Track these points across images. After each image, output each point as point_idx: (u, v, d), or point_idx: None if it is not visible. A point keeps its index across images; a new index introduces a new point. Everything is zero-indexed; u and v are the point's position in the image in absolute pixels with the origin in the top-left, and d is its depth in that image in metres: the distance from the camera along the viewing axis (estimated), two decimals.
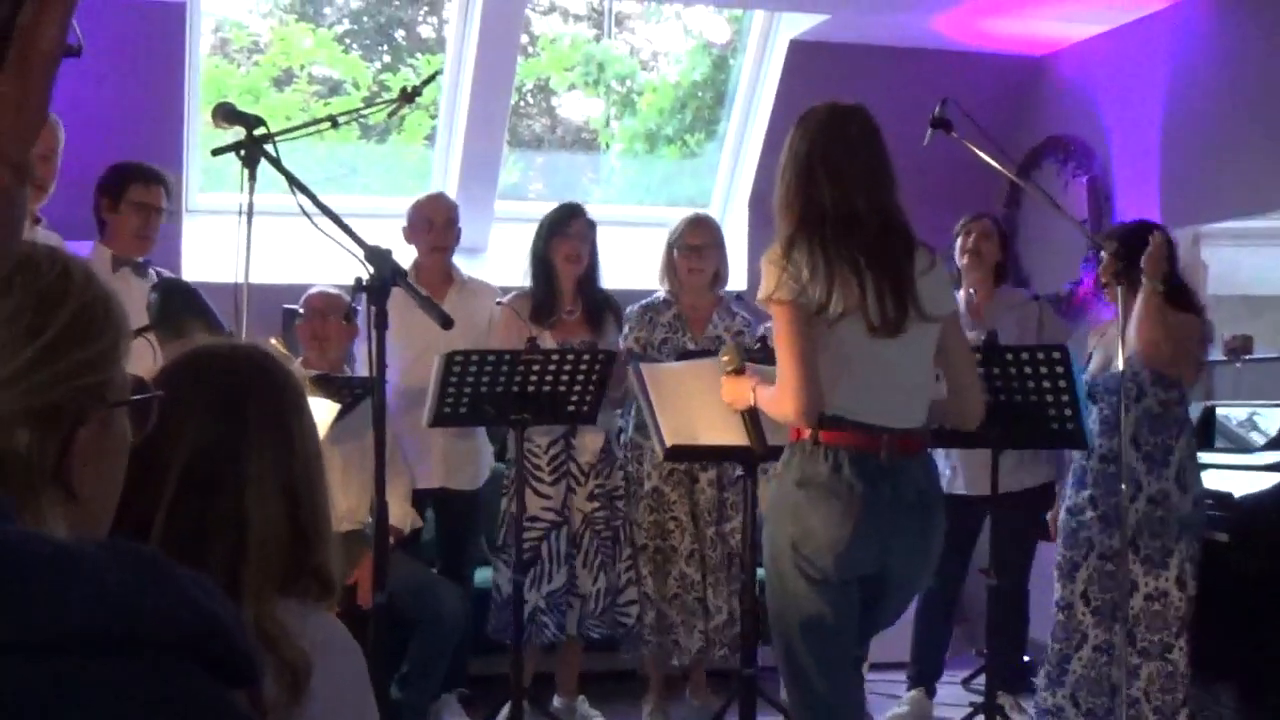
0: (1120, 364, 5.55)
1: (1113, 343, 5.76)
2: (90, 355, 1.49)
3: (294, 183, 3.91)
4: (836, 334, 3.87)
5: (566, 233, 6.35)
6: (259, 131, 4.25)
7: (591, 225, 6.44)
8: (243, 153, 4.38)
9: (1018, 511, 6.25)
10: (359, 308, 5.93)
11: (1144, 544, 5.67)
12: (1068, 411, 5.43)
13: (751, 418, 4.44)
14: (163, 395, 2.08)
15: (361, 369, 6.04)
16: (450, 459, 6.36)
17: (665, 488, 6.32)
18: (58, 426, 1.45)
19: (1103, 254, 5.85)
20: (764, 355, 5.29)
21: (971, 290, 6.64)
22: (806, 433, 3.90)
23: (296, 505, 2.13)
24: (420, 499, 6.28)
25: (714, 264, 6.47)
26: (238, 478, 2.08)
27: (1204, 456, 6.36)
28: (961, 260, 6.60)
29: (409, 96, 5.07)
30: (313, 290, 6.21)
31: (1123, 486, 5.49)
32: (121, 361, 1.57)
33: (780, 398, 3.93)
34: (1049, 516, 6.27)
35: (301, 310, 6.18)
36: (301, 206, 3.90)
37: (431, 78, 5.51)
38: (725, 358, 4.43)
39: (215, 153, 4.59)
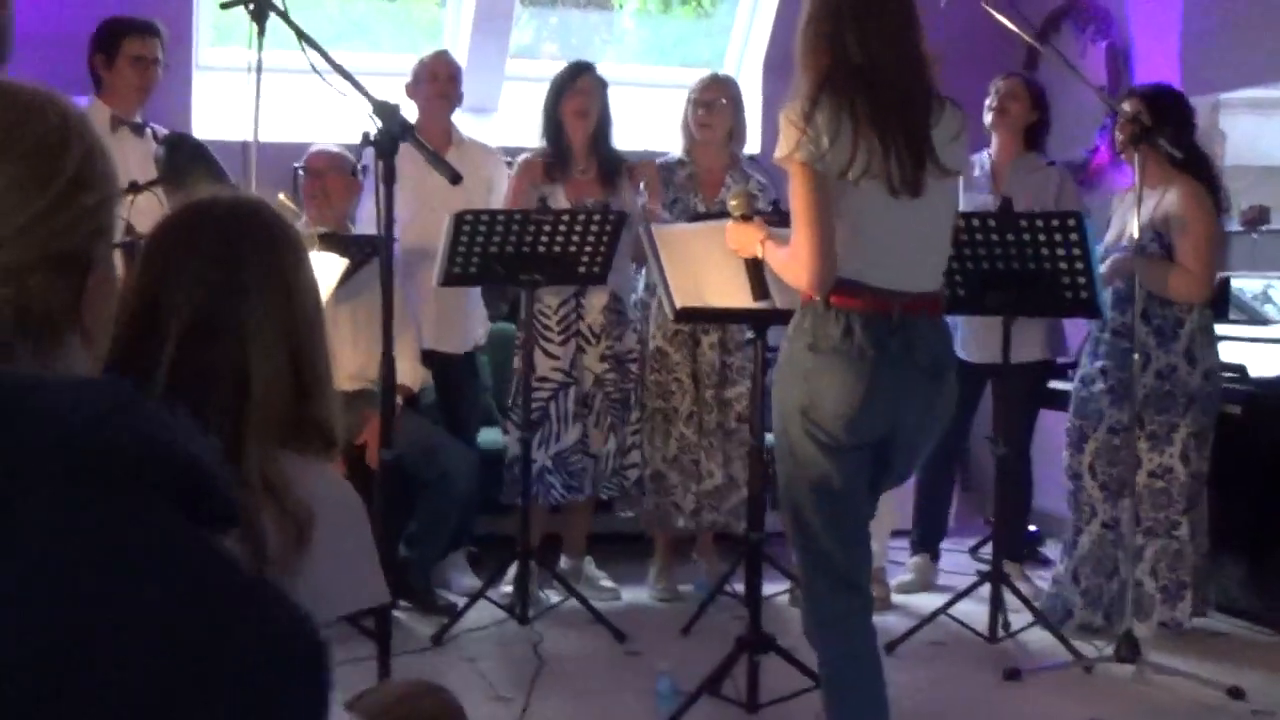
0: (1135, 231, 5.51)
1: (1129, 210, 5.70)
2: (97, 199, 1.52)
3: (303, 37, 3.86)
4: (855, 195, 3.79)
5: (574, 89, 6.30)
6: None
7: (602, 83, 6.38)
8: (252, 6, 4.32)
9: (1021, 380, 6.21)
10: (366, 164, 5.90)
11: (1149, 419, 5.66)
12: (1081, 280, 5.38)
13: (754, 267, 4.41)
14: (165, 243, 2.10)
15: (363, 229, 6.02)
16: (440, 322, 6.34)
17: (669, 348, 6.33)
18: (72, 271, 1.46)
19: (1122, 111, 5.80)
20: (777, 219, 5.26)
21: (991, 153, 6.58)
22: (818, 295, 3.85)
23: (297, 355, 2.14)
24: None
25: (726, 122, 6.43)
26: (239, 326, 2.09)
27: (1217, 328, 6.35)
28: (988, 119, 6.52)
29: None
30: (313, 149, 6.18)
31: (1135, 356, 5.46)
32: (118, 205, 1.58)
33: (792, 264, 3.87)
34: None
35: (303, 170, 6.13)
36: (310, 62, 3.84)
37: None
38: (734, 202, 4.39)
39: (224, 6, 4.53)
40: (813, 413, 3.83)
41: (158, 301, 2.07)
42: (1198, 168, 5.69)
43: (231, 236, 2.15)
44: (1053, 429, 6.52)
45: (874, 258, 3.83)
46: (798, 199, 3.82)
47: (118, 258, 1.64)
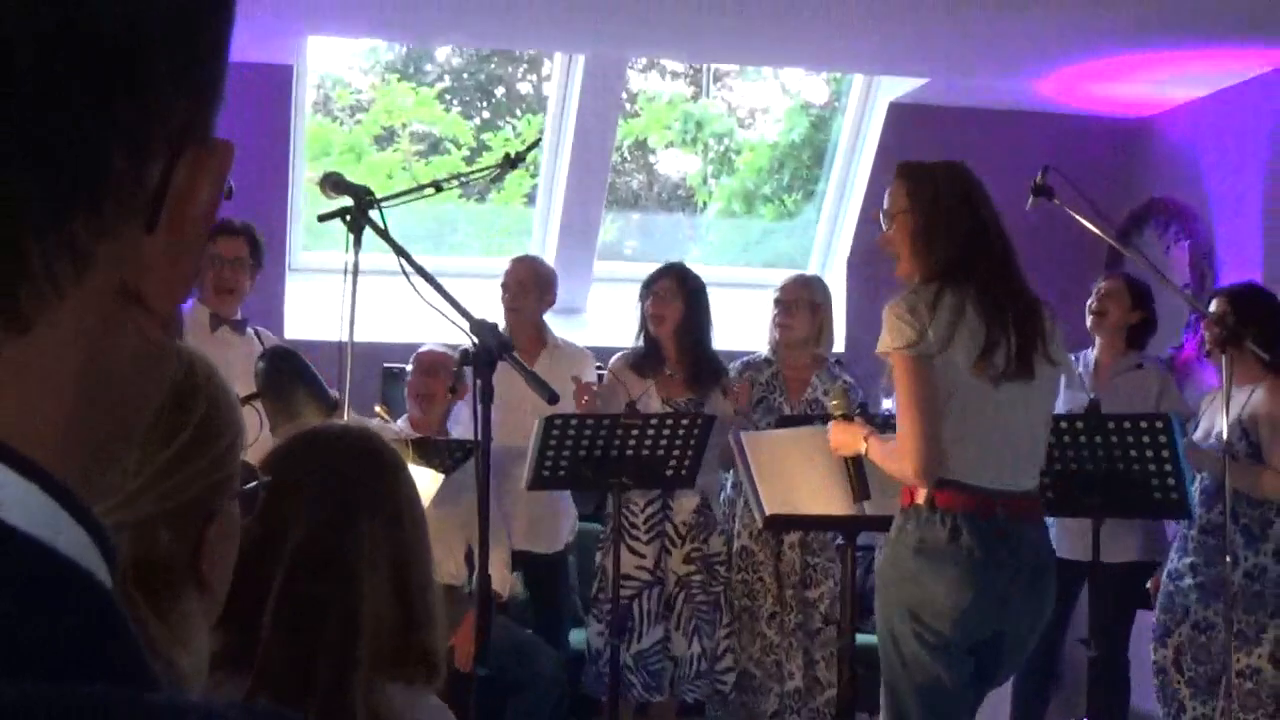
0: (1220, 430, 5.52)
1: (1217, 409, 5.71)
2: (220, 451, 1.54)
3: (401, 253, 3.95)
4: (960, 388, 3.85)
5: (651, 292, 6.37)
6: (366, 198, 4.30)
7: (683, 284, 6.40)
8: (348, 218, 4.42)
9: (1116, 581, 6.16)
10: (465, 378, 5.96)
11: (1238, 618, 5.61)
12: (1170, 481, 5.37)
13: (855, 466, 4.41)
14: (273, 481, 2.13)
15: (457, 429, 6.08)
16: (532, 522, 6.37)
17: (754, 547, 6.31)
18: (192, 523, 1.49)
19: (1208, 312, 5.82)
20: (866, 421, 5.28)
21: (1095, 352, 6.54)
22: (921, 497, 3.88)
23: (405, 587, 2.15)
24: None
25: (804, 323, 6.42)
26: (348, 560, 2.11)
27: None
28: (1089, 320, 6.48)
29: (511, 163, 5.10)
30: (423, 348, 6.24)
31: (1227, 559, 5.44)
32: (240, 454, 1.61)
33: (899, 455, 3.90)
34: (1150, 584, 6.19)
35: (410, 367, 6.22)
36: (408, 277, 3.93)
37: (534, 144, 5.54)
38: (834, 402, 4.42)
39: (322, 219, 4.65)
40: (923, 614, 3.86)
41: (267, 538, 2.07)
42: None
43: (341, 470, 2.18)
44: (1146, 627, 6.45)
45: (977, 455, 3.87)
46: (902, 390, 3.87)
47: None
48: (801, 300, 6.45)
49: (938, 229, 3.98)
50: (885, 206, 4.14)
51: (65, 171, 0.64)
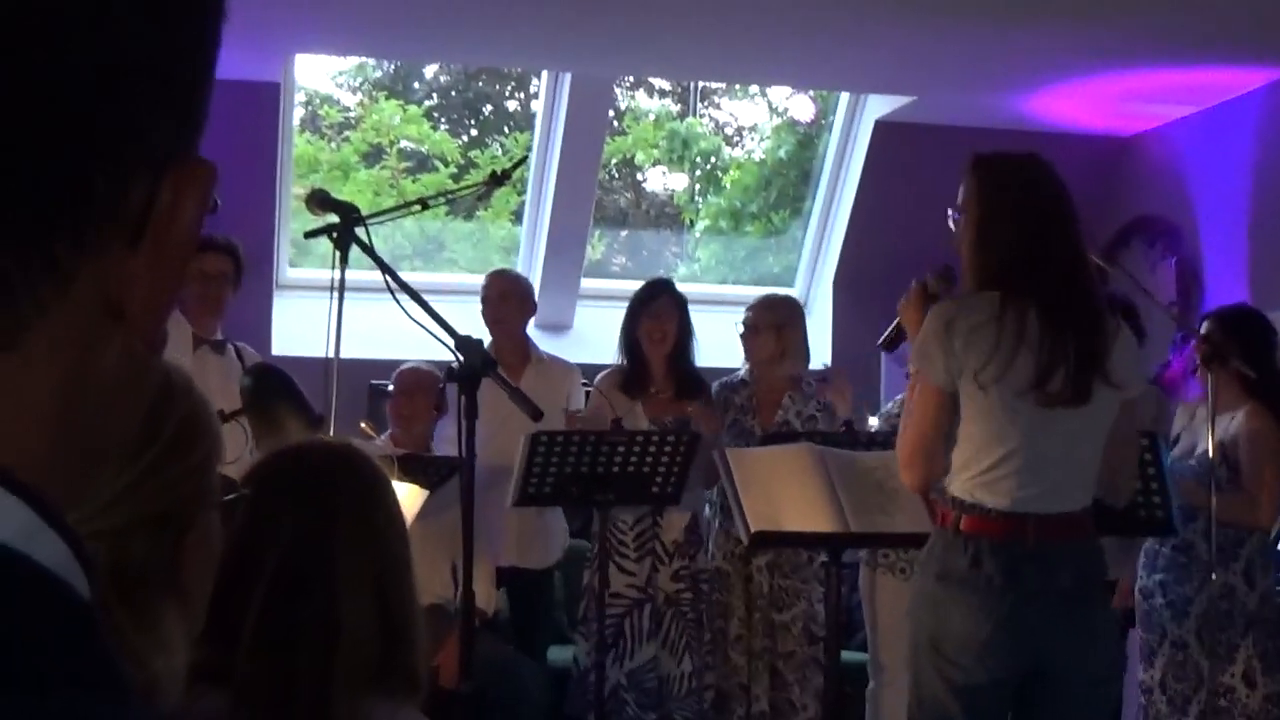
0: (1204, 449, 5.52)
1: (1200, 426, 5.72)
2: (195, 461, 1.55)
3: (386, 270, 3.95)
4: (1004, 412, 3.65)
5: (649, 312, 6.32)
6: (352, 215, 4.30)
7: (679, 302, 6.38)
8: (335, 235, 4.42)
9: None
10: (448, 394, 5.95)
11: (1208, 636, 5.61)
12: (1156, 499, 5.36)
13: (898, 325, 4.20)
14: (252, 495, 2.13)
15: (443, 448, 6.06)
16: (522, 538, 6.36)
17: (728, 568, 6.28)
18: (169, 532, 1.50)
19: (1194, 330, 5.82)
20: (849, 439, 5.30)
21: None
22: (949, 520, 3.70)
23: (386, 603, 2.14)
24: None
25: (767, 346, 6.34)
26: (329, 576, 2.09)
27: None
28: None
29: (498, 180, 5.08)
30: (404, 367, 6.23)
31: (1213, 576, 5.43)
32: (218, 465, 1.63)
33: (899, 451, 3.80)
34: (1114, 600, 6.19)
35: (391, 387, 6.20)
36: (394, 294, 3.93)
37: (521, 161, 5.54)
38: (933, 279, 4.12)
39: (308, 235, 4.65)
40: (943, 646, 3.66)
41: (247, 553, 2.06)
42: (1271, 392, 5.68)
43: (322, 485, 2.16)
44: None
45: (1017, 480, 3.65)
46: (917, 408, 3.74)
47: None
48: (763, 323, 6.37)
49: (996, 228, 3.74)
50: (959, 200, 3.89)
51: (46, 194, 0.64)
